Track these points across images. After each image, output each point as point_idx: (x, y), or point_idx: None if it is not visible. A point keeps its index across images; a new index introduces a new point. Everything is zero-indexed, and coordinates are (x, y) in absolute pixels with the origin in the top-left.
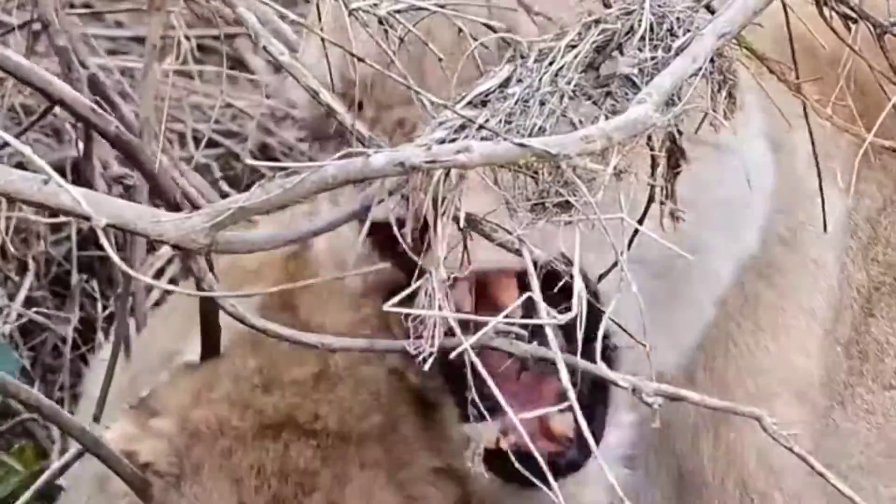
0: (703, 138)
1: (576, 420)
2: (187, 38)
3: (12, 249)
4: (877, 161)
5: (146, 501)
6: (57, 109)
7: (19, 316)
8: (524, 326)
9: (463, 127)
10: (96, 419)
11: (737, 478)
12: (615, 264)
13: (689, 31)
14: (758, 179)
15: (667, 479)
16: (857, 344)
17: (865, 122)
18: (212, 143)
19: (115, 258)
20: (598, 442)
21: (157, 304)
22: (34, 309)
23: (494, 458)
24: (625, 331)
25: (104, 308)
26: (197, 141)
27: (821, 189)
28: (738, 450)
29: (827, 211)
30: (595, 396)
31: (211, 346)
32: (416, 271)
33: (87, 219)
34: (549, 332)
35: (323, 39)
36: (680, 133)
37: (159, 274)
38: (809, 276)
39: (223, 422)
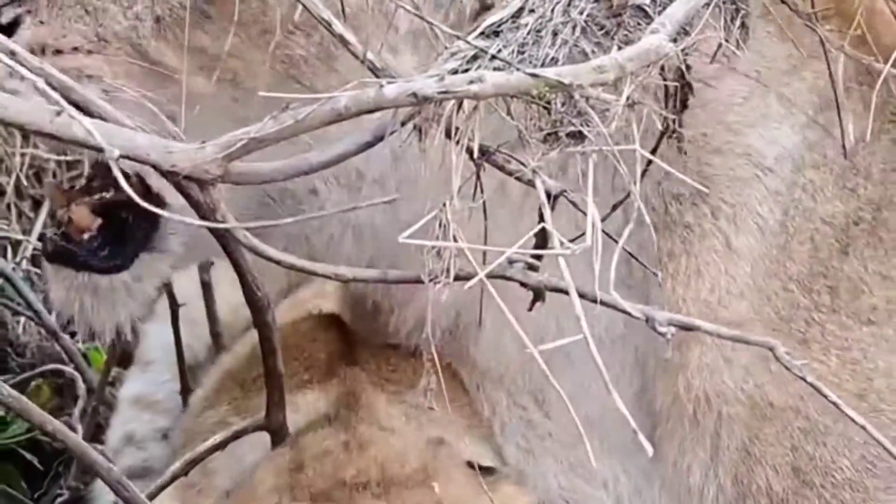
0: None
1: None
2: None
3: (25, 183)
4: (857, 92)
5: None
6: None
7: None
8: (537, 257)
9: (475, 57)
10: None
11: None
12: (628, 195)
13: None
14: None
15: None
16: (825, 278)
17: None
18: None
19: (129, 190)
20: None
21: None
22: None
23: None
24: (637, 260)
25: None
26: None
27: (840, 121)
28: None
29: (772, 146)
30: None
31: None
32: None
33: (100, 150)
34: (562, 262)
35: None
36: (689, 68)
37: None
38: (725, 220)
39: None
